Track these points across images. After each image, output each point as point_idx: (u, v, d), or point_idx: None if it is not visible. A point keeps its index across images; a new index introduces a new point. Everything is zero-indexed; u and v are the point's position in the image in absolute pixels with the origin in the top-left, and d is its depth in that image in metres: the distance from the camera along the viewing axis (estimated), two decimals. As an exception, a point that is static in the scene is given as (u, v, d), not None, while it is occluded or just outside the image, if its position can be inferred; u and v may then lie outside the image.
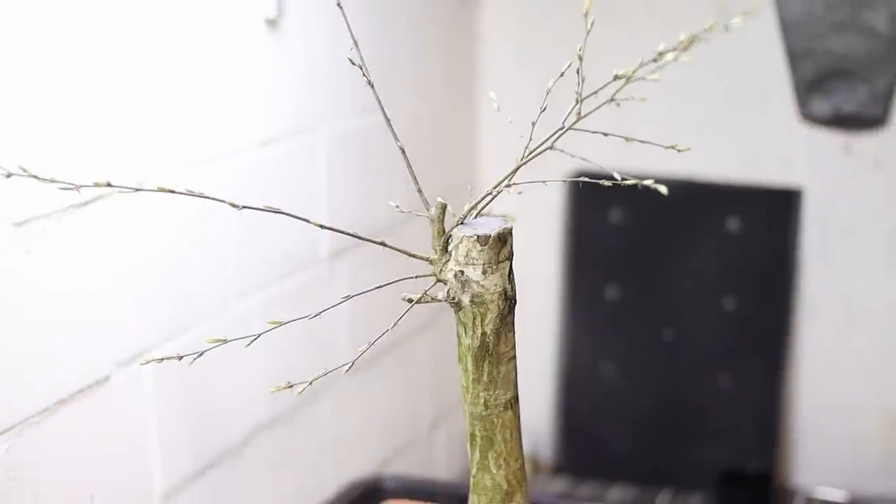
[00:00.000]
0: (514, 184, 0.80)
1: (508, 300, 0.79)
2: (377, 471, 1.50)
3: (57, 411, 0.95)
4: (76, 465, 0.98)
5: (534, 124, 0.79)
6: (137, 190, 0.77)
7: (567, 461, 1.85)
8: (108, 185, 0.74)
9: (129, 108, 1.02)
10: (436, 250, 0.78)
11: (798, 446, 1.76)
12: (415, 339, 1.63)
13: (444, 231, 0.78)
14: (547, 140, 0.79)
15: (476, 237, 0.76)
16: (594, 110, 0.78)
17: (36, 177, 0.73)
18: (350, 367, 0.81)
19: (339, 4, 0.78)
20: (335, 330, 1.38)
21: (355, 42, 0.78)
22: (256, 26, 1.19)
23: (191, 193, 0.75)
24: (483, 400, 0.81)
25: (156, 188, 0.76)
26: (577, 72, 0.76)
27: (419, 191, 0.79)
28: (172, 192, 0.75)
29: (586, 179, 0.82)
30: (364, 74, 0.77)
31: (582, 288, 1.83)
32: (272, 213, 0.77)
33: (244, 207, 0.76)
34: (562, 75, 0.77)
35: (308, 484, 1.36)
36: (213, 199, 0.76)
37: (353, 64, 0.78)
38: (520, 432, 0.83)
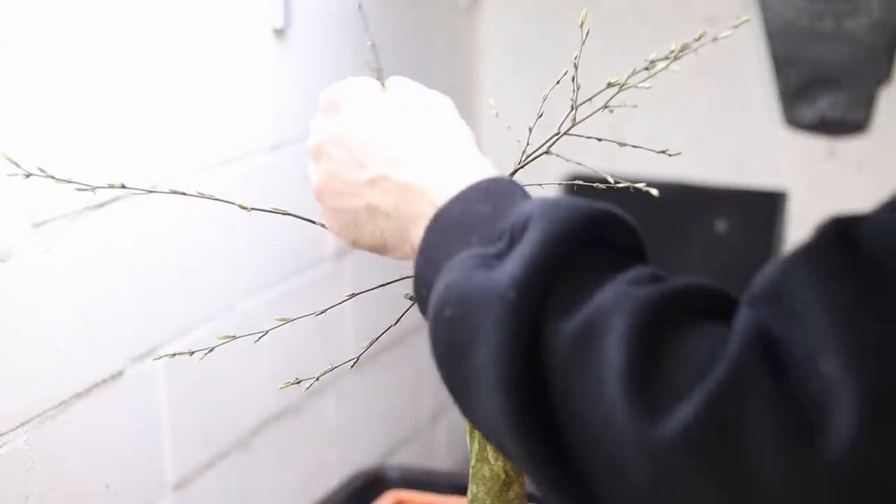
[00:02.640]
0: (511, 187, 0.82)
1: (506, 297, 0.81)
2: (380, 461, 1.50)
3: (73, 404, 0.96)
4: (92, 456, 0.99)
5: (531, 130, 0.80)
6: (150, 192, 0.78)
7: (562, 454, 1.86)
8: (123, 186, 0.75)
9: (143, 115, 1.03)
10: (437, 250, 0.80)
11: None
12: (416, 335, 1.62)
13: (445, 232, 0.80)
14: (543, 145, 0.79)
15: (476, 237, 0.78)
16: (588, 116, 0.78)
17: (53, 177, 0.74)
18: (355, 363, 0.81)
19: (360, 6, 0.77)
20: (340, 326, 1.38)
21: (373, 45, 0.76)
22: (264, 36, 1.21)
23: (201, 196, 0.76)
24: (482, 393, 0.82)
25: (168, 190, 0.77)
26: (573, 79, 0.77)
27: (421, 193, 0.81)
28: (184, 193, 0.76)
29: (581, 183, 0.83)
30: (378, 78, 0.76)
31: (576, 287, 1.85)
32: (279, 215, 0.78)
33: (252, 209, 0.77)
34: (558, 83, 0.78)
35: (313, 474, 1.37)
36: (223, 200, 0.78)
37: (369, 67, 0.76)
38: (517, 424, 0.85)
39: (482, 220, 0.60)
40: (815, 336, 0.47)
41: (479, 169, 0.64)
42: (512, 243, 0.57)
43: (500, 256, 0.57)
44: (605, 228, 0.57)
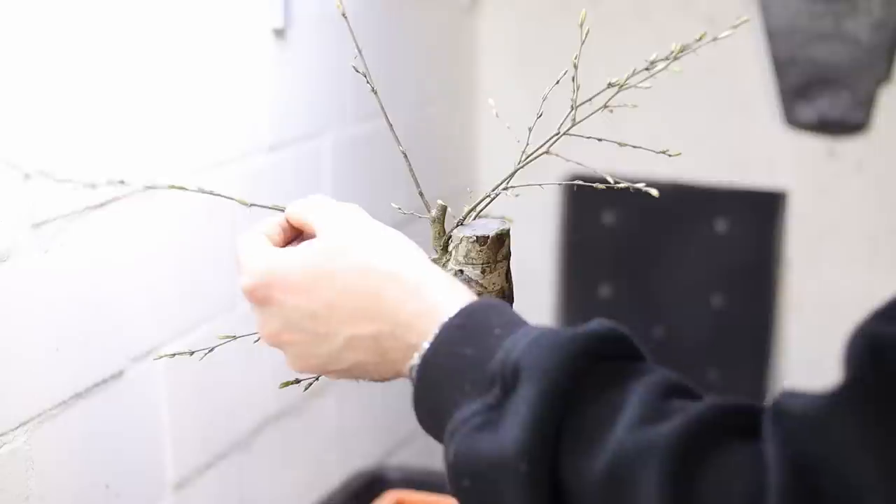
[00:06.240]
0: (511, 187, 0.81)
1: (506, 298, 0.79)
2: (380, 462, 1.50)
3: (73, 404, 0.96)
4: (92, 456, 0.99)
5: (530, 130, 0.80)
6: (150, 187, 0.78)
7: (562, 454, 1.86)
8: (122, 182, 0.75)
9: (143, 115, 1.03)
10: (436, 250, 0.79)
11: (783, 439, 1.78)
12: (415, 336, 1.64)
13: (444, 232, 0.79)
14: (543, 145, 0.79)
15: (475, 238, 0.77)
16: (588, 116, 0.78)
17: (52, 177, 0.75)
18: (355, 363, 0.82)
19: (343, 14, 0.78)
20: (340, 327, 1.39)
21: (359, 50, 0.78)
22: (264, 36, 1.21)
23: (201, 191, 0.76)
24: (482, 393, 0.82)
25: (167, 185, 0.76)
26: (573, 80, 0.77)
27: (420, 193, 0.81)
28: (183, 188, 0.76)
29: (581, 182, 0.83)
30: (368, 82, 0.78)
31: (576, 286, 1.84)
32: (280, 212, 0.77)
33: (252, 205, 0.77)
34: (557, 83, 0.78)
35: (314, 474, 1.37)
36: (223, 196, 0.77)
37: (357, 71, 0.78)
38: (517, 423, 0.85)
39: (469, 364, 0.59)
40: (858, 475, 0.47)
41: (445, 297, 0.63)
42: (506, 390, 0.57)
43: (498, 408, 0.57)
44: (598, 348, 0.57)
